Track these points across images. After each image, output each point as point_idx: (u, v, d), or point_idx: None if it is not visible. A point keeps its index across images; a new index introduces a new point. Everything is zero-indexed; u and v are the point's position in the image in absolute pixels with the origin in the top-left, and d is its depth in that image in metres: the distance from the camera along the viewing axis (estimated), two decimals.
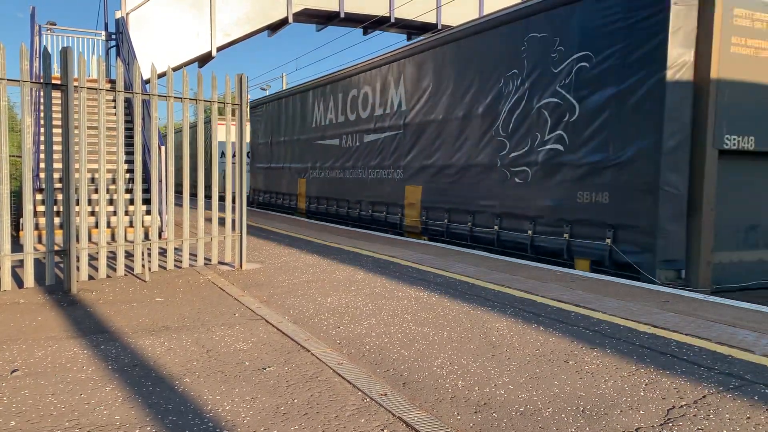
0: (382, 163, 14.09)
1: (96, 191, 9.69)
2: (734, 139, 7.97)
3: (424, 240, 11.85)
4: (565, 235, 9.04)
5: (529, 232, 9.65)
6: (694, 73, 7.83)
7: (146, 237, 8.91)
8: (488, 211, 10.62)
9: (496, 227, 10.37)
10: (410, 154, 13.00)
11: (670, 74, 7.69)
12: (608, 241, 8.38)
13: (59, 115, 6.12)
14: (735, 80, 7.88)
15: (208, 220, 8.30)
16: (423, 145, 12.59)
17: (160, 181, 7.95)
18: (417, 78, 12.73)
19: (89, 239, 7.08)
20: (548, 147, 9.38)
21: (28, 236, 6.04)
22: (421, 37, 13.80)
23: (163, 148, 8.08)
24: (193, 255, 7.76)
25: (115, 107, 7.20)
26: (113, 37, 16.37)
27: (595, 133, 8.60)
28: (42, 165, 10.34)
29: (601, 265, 8.44)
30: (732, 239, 8.36)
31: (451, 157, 11.64)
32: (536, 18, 9.61)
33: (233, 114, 7.80)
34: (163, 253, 7.72)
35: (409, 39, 22.04)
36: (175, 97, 7.10)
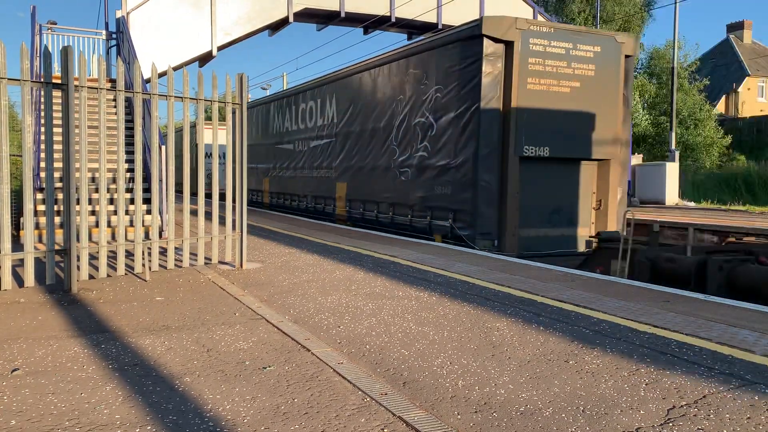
0: (321, 165, 17.24)
1: (96, 190, 9.68)
2: (532, 149, 11.10)
3: (349, 225, 14.46)
4: (428, 218, 12.33)
5: (409, 216, 12.99)
6: (502, 103, 10.94)
7: (147, 236, 8.90)
8: (386, 201, 13.87)
9: (391, 213, 13.71)
10: (339, 158, 16.18)
11: (483, 104, 10.84)
12: (450, 221, 11.65)
13: (60, 115, 6.12)
14: (531, 108, 11.04)
15: (209, 219, 8.32)
16: (347, 150, 15.74)
17: (161, 180, 7.95)
18: (344, 97, 15.95)
19: (90, 238, 7.06)
20: (419, 154, 12.64)
21: (28, 235, 6.03)
22: (347, 64, 16.74)
23: (163, 147, 8.07)
24: (194, 254, 7.76)
25: (115, 106, 7.18)
26: (114, 36, 16.35)
27: (444, 144, 11.78)
28: (42, 164, 10.33)
29: (447, 238, 11.52)
30: (537, 219, 11.43)
31: (365, 160, 14.80)
32: (413, 58, 12.91)
33: (233, 114, 7.81)
34: (163, 252, 7.72)
35: (409, 39, 22.01)
36: (175, 97, 7.10)
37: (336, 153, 16.31)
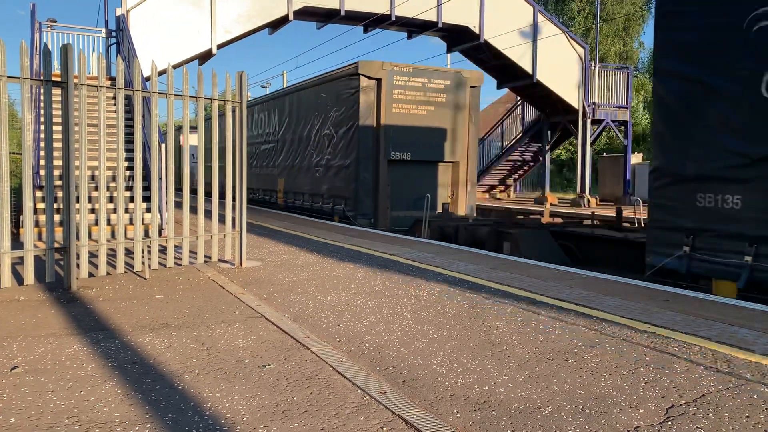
0: (269, 164, 21.88)
1: (96, 188, 9.67)
2: (397, 154, 15.75)
3: (288, 213, 17.65)
4: (331, 204, 16.83)
5: (320, 203, 17.52)
6: (375, 122, 15.57)
7: (146, 234, 8.90)
8: (308, 192, 18.50)
9: (311, 201, 18.29)
10: (279, 158, 20.84)
11: (361, 122, 15.46)
12: (342, 206, 16.22)
13: (59, 113, 6.12)
14: (396, 125, 15.66)
15: (208, 217, 8.32)
16: (285, 153, 20.36)
17: (161, 178, 7.94)
18: (281, 110, 20.61)
19: (89, 236, 7.06)
20: (326, 157, 17.17)
21: (28, 233, 6.03)
22: (286, 86, 21.38)
23: (163, 145, 8.07)
24: (193, 252, 7.76)
25: (115, 104, 7.19)
26: (114, 34, 16.34)
27: (340, 150, 16.32)
28: (42, 162, 10.32)
29: (342, 218, 15.72)
30: (404, 204, 15.92)
31: (295, 161, 19.48)
32: (323, 85, 17.55)
33: (233, 112, 7.80)
34: (163, 250, 7.72)
35: (409, 37, 21.96)
36: (175, 95, 7.09)
37: (278, 155, 20.95)
